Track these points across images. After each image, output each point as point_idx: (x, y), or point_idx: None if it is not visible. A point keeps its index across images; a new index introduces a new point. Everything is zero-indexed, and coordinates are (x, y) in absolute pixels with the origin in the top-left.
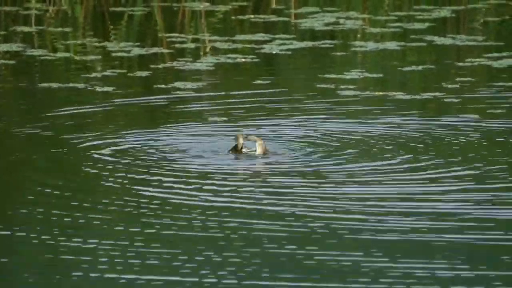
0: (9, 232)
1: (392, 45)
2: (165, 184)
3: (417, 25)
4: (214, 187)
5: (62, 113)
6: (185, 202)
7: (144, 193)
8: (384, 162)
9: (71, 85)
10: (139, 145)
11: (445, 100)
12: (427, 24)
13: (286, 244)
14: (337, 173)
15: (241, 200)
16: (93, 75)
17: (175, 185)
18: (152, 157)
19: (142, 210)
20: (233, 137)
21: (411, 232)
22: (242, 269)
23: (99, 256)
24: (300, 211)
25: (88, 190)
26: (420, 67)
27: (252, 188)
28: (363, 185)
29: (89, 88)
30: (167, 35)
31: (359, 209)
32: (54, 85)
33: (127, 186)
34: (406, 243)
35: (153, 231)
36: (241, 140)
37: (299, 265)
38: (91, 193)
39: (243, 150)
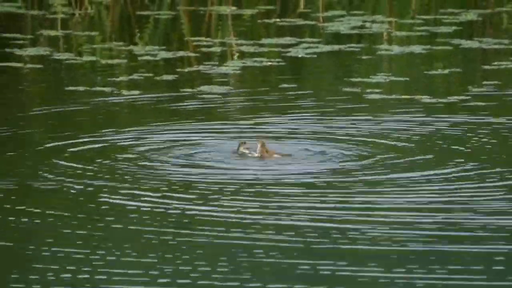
0: None
1: (417, 48)
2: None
3: (444, 29)
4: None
5: (89, 116)
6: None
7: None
8: (402, 167)
9: (97, 88)
10: (165, 147)
11: (471, 103)
12: (453, 28)
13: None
14: (341, 178)
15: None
16: (120, 78)
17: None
18: (172, 158)
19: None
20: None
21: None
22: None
23: (54, 260)
24: (292, 221)
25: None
26: (446, 71)
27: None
28: (373, 194)
29: (115, 92)
30: (193, 38)
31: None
32: (81, 88)
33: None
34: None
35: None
36: (241, 148)
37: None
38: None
39: (245, 151)
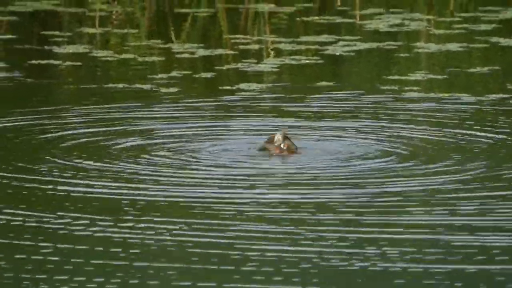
0: None
1: (455, 46)
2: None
3: (483, 27)
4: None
5: (129, 114)
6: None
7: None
8: (442, 168)
9: (137, 86)
10: (206, 146)
11: (511, 101)
12: (493, 26)
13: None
14: (350, 178)
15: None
16: (158, 76)
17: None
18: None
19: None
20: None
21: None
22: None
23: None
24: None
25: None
26: (485, 69)
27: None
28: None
29: (154, 89)
30: (231, 36)
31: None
32: (120, 85)
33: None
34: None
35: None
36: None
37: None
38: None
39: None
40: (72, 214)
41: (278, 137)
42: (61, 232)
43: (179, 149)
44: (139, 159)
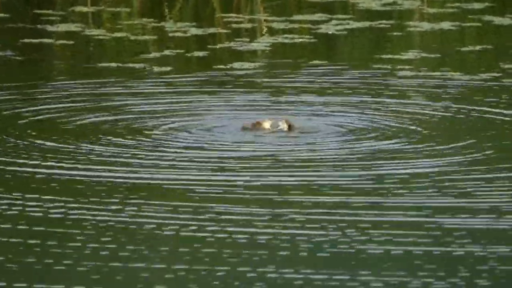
0: None
1: (448, 25)
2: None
3: (476, 5)
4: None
5: (122, 91)
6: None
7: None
8: (433, 150)
9: (129, 65)
10: (195, 125)
11: (504, 80)
12: (486, 4)
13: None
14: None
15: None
16: (151, 55)
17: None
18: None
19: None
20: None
21: None
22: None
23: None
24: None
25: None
26: (478, 47)
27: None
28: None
29: (147, 68)
30: (224, 15)
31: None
32: (113, 65)
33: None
34: None
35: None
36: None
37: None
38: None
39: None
40: (30, 195)
41: (282, 124)
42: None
43: (153, 126)
44: (99, 137)
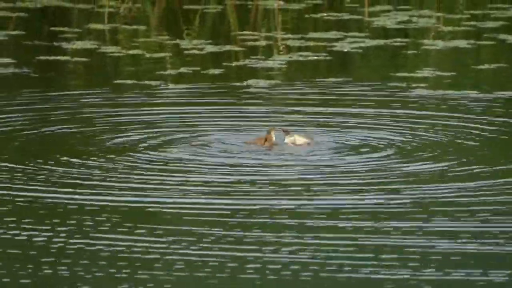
0: None
1: (463, 43)
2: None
3: (491, 24)
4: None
5: (137, 110)
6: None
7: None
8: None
9: (145, 82)
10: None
11: None
12: (501, 23)
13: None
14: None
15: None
16: (167, 72)
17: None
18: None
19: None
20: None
21: None
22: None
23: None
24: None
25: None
26: (492, 66)
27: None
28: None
29: (162, 85)
30: (240, 33)
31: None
32: (128, 81)
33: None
34: None
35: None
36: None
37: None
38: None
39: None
40: None
41: (270, 135)
42: None
43: (184, 144)
44: (134, 154)
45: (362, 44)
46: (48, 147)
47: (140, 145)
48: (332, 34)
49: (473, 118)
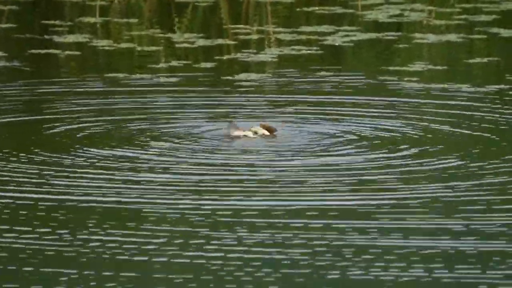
0: None
1: (454, 37)
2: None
3: (483, 18)
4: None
5: (130, 103)
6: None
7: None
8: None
9: (137, 76)
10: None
11: (510, 92)
12: (493, 17)
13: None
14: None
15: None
16: (159, 66)
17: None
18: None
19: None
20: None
21: None
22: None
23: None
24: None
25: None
26: (485, 59)
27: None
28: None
29: (154, 78)
30: (232, 26)
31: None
32: (120, 75)
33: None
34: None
35: None
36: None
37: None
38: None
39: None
40: None
41: (254, 129)
42: None
43: (176, 135)
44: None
45: (354, 38)
46: (36, 141)
47: (126, 142)
48: (324, 28)
49: (464, 112)
